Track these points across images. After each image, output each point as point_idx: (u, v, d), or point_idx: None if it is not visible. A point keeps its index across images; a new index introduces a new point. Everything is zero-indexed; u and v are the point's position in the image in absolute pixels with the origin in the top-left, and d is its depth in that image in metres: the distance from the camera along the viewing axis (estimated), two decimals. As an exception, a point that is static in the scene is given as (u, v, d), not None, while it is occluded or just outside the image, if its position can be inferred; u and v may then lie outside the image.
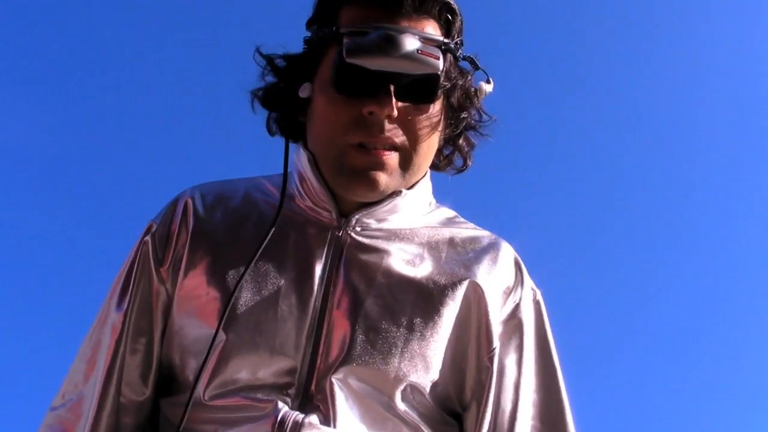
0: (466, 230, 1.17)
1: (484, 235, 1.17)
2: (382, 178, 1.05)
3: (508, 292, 1.12)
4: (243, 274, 1.03)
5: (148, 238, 1.12)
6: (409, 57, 0.98)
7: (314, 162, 1.10)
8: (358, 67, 0.98)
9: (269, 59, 1.15)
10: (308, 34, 1.12)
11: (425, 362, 1.04)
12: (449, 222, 1.18)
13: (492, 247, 1.15)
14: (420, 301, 1.06)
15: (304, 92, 1.08)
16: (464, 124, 1.15)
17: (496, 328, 1.09)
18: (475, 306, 1.08)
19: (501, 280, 1.12)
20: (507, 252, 1.15)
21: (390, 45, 0.98)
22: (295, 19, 1.16)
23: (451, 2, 1.09)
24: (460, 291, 1.08)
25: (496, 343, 1.08)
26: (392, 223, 1.11)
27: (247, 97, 1.16)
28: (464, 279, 1.09)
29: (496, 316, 1.09)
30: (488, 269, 1.11)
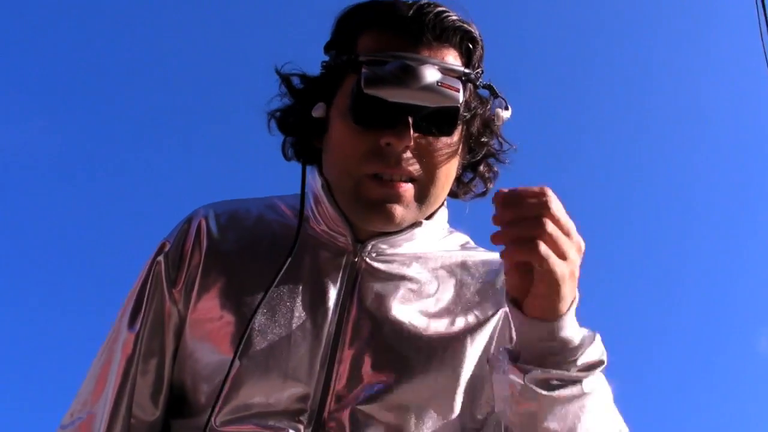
0: (478, 253, 1.17)
1: (496, 257, 1.16)
2: (398, 210, 1.03)
3: None
4: (259, 304, 1.02)
5: (160, 258, 1.10)
6: (429, 89, 0.96)
7: (329, 188, 1.09)
8: (376, 97, 0.96)
9: (287, 80, 1.13)
10: (326, 57, 1.10)
11: (445, 388, 1.03)
12: (462, 247, 1.18)
13: (501, 269, 1.14)
14: (437, 326, 1.06)
15: (317, 111, 1.07)
16: (484, 152, 1.13)
17: None
18: (490, 327, 1.08)
19: None
20: None
21: (409, 76, 0.96)
22: (320, 28, 1.14)
23: (473, 30, 1.07)
24: (476, 314, 1.08)
25: None
26: (407, 248, 1.11)
27: (264, 113, 1.15)
28: (479, 302, 1.09)
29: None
30: (502, 290, 1.10)
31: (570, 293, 0.89)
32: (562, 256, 0.86)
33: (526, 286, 0.89)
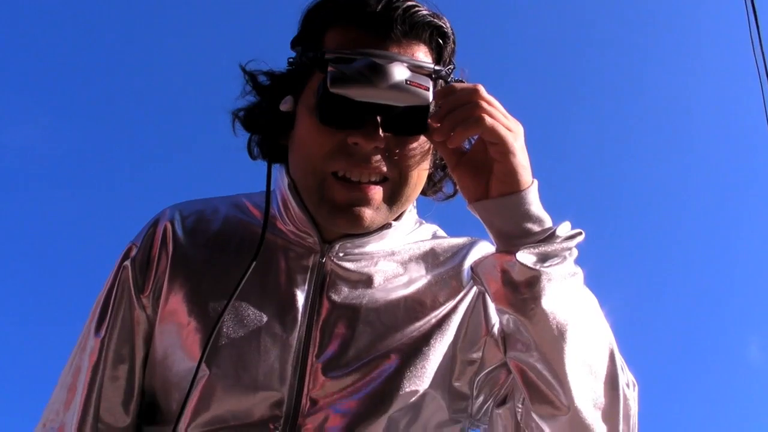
0: (447, 240, 1.16)
1: (463, 241, 1.16)
2: (367, 213, 1.01)
3: None
4: (223, 311, 0.99)
5: (127, 263, 1.08)
6: (397, 88, 0.93)
7: (295, 188, 1.06)
8: (342, 96, 0.93)
9: (253, 77, 1.09)
10: (293, 54, 1.07)
11: (421, 381, 1.02)
12: (431, 237, 1.16)
13: (470, 248, 1.14)
14: (408, 322, 1.05)
15: (285, 105, 1.03)
16: None
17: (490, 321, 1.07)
18: (463, 308, 1.07)
19: None
20: (485, 247, 1.14)
21: (377, 75, 0.92)
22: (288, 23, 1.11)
23: (443, 25, 1.03)
24: (448, 300, 1.07)
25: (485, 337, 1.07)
26: (376, 246, 1.09)
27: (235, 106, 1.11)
28: (450, 287, 1.08)
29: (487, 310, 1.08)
30: (470, 274, 1.09)
31: (527, 164, 0.94)
32: (507, 128, 0.92)
33: (482, 183, 0.95)
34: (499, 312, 0.98)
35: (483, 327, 1.06)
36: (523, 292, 0.91)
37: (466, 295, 1.08)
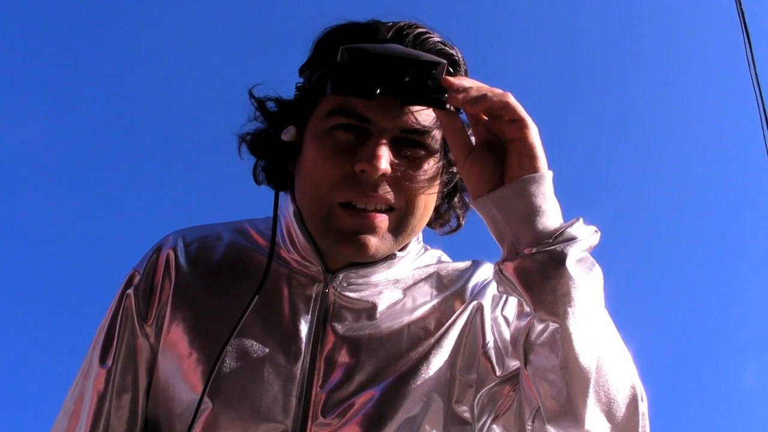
0: (451, 265, 1.15)
1: (466, 265, 1.15)
2: (372, 242, 0.99)
3: (497, 302, 1.10)
4: (226, 342, 0.99)
5: (130, 291, 1.08)
6: (413, 52, 0.92)
7: (300, 216, 1.05)
8: (356, 63, 0.90)
9: (261, 103, 1.08)
10: (301, 80, 1.06)
11: (427, 408, 1.01)
12: (436, 262, 1.15)
13: (474, 269, 1.13)
14: (412, 348, 1.04)
15: (287, 135, 1.02)
16: (456, 181, 1.08)
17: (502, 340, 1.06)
18: (459, 324, 1.06)
19: (488, 297, 1.09)
20: (489, 269, 1.14)
21: (392, 46, 0.93)
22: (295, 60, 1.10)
23: (454, 53, 1.02)
24: (447, 318, 1.06)
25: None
26: (380, 277, 1.08)
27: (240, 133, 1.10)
28: (452, 308, 1.07)
29: (498, 331, 1.07)
30: (472, 293, 1.10)
31: (543, 153, 0.90)
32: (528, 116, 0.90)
33: (496, 172, 0.91)
34: (527, 318, 0.92)
35: (480, 345, 1.05)
36: (556, 288, 0.85)
37: (463, 311, 1.07)
